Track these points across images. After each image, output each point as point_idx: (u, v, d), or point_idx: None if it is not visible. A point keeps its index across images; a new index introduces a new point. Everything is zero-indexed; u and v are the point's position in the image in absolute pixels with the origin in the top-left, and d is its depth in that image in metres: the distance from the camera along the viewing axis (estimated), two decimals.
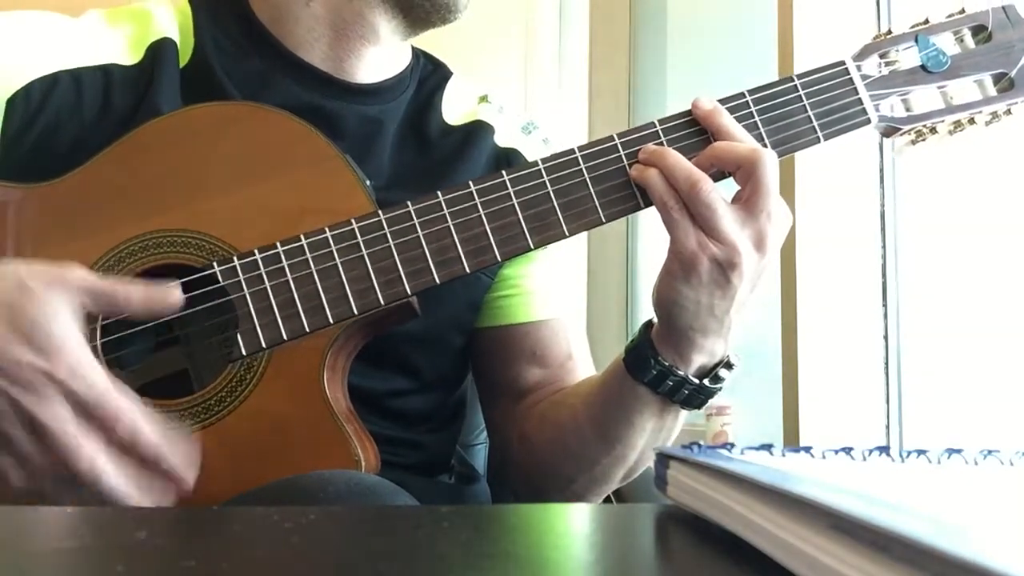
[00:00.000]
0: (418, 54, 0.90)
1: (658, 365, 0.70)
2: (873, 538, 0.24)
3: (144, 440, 0.58)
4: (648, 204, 0.69)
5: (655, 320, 0.71)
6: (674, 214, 0.66)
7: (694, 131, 0.70)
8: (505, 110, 0.90)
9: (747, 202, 0.66)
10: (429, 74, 0.89)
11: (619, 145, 0.70)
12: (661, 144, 0.70)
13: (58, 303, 0.58)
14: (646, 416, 0.73)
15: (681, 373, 0.70)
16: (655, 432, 0.74)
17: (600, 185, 0.69)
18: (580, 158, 0.70)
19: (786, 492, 0.29)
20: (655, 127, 0.70)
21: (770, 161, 0.66)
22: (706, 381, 0.71)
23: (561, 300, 0.89)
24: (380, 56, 0.83)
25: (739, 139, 0.68)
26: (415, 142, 0.84)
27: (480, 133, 0.86)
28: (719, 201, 0.65)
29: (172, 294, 0.63)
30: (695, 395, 0.71)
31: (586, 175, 0.69)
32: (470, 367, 0.90)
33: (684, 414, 0.75)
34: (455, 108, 0.88)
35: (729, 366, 0.72)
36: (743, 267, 0.65)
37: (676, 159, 0.67)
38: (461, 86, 0.90)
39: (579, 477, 0.79)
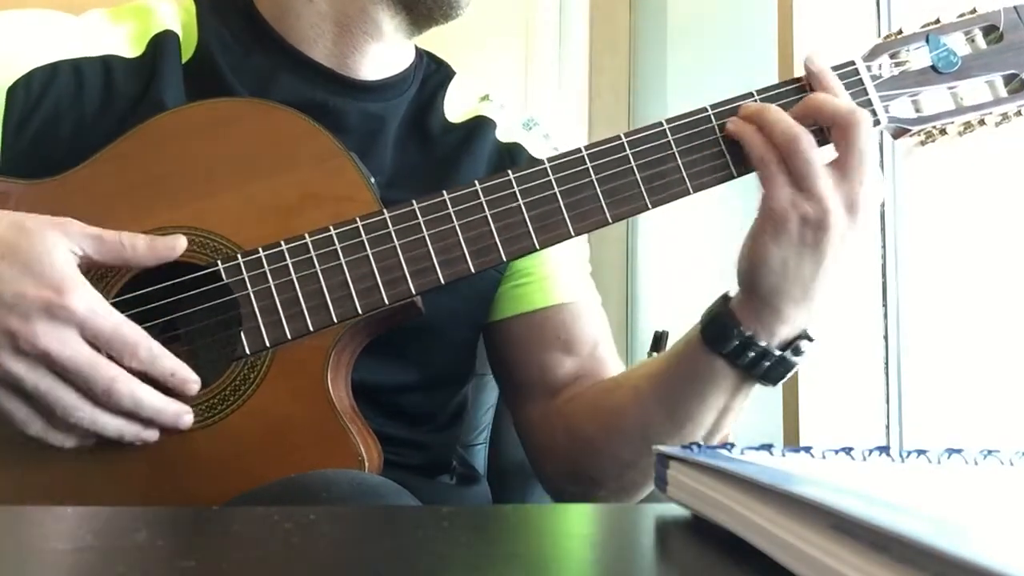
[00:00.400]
0: (421, 53, 0.90)
1: (740, 335, 0.68)
2: (873, 538, 0.24)
3: (163, 361, 0.62)
4: (656, 205, 0.69)
5: (731, 293, 0.70)
6: (771, 168, 0.66)
7: (706, 129, 0.70)
8: (506, 108, 0.90)
9: (841, 164, 0.66)
10: (432, 73, 0.90)
11: (626, 144, 0.70)
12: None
13: (55, 240, 0.60)
14: (720, 392, 0.71)
15: (763, 344, 0.68)
16: (724, 411, 0.73)
17: (606, 185, 0.69)
18: (586, 157, 0.69)
19: (786, 492, 0.29)
20: (663, 126, 0.70)
21: (866, 124, 0.66)
22: (788, 353, 0.69)
23: (579, 284, 0.88)
24: (383, 53, 0.84)
25: (840, 96, 0.68)
26: (417, 140, 0.84)
27: (482, 129, 0.86)
28: (817, 159, 0.65)
29: (177, 240, 0.66)
30: (775, 367, 0.70)
31: (592, 175, 0.69)
32: (475, 366, 0.89)
33: (752, 393, 0.73)
34: (457, 106, 0.88)
35: (810, 339, 0.70)
36: (834, 229, 0.65)
37: (777, 114, 0.67)
38: (463, 85, 0.90)
39: (640, 460, 0.77)
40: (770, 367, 0.70)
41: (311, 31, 0.81)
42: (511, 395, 0.90)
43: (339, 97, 0.81)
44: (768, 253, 0.66)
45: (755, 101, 0.70)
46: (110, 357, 0.60)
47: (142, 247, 0.64)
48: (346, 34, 0.81)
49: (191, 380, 0.64)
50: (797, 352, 0.70)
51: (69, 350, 0.58)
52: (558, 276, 0.86)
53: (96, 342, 0.60)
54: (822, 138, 0.68)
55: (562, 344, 0.84)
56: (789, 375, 0.71)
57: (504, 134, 0.87)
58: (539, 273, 0.86)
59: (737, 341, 0.69)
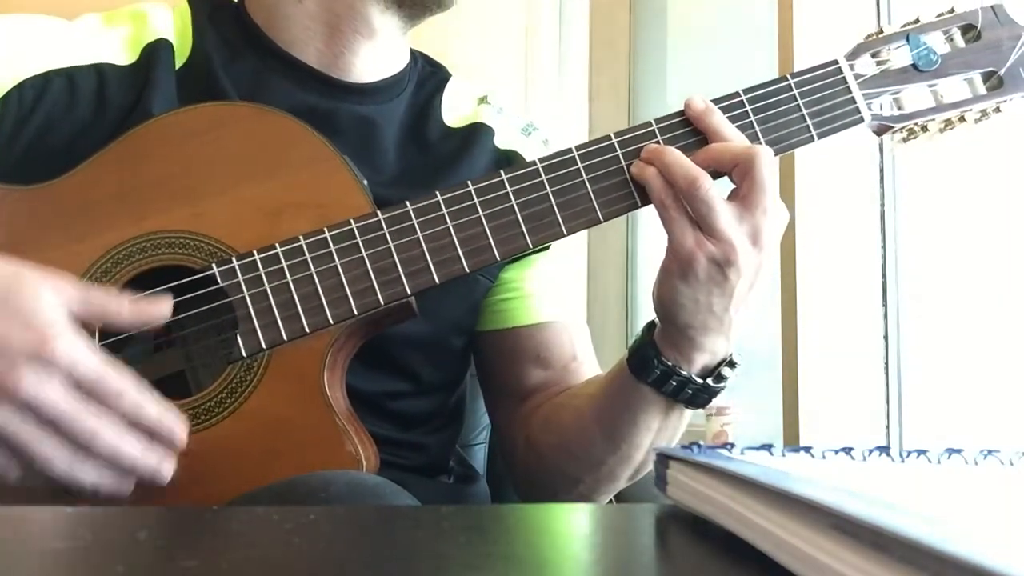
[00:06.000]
0: (416, 56, 0.90)
1: (661, 365, 0.70)
2: (873, 538, 0.24)
3: (147, 410, 0.59)
4: (646, 203, 0.70)
5: (657, 320, 0.71)
6: (671, 212, 0.67)
7: (691, 130, 0.71)
8: (505, 111, 0.90)
9: (744, 199, 0.66)
10: (428, 76, 0.89)
11: (616, 144, 0.70)
12: (659, 143, 0.70)
13: (47, 292, 0.58)
14: (651, 416, 0.73)
15: (684, 373, 0.70)
16: (660, 431, 0.74)
17: (598, 184, 0.69)
18: (577, 157, 0.70)
19: (786, 492, 0.29)
20: (652, 126, 0.71)
21: (766, 157, 0.66)
22: (709, 380, 0.71)
23: (563, 302, 0.88)
24: (376, 53, 0.83)
25: (731, 138, 0.69)
26: (415, 144, 0.84)
27: (480, 135, 0.86)
28: (716, 199, 0.66)
29: (162, 305, 0.63)
30: (699, 394, 0.71)
31: (584, 175, 0.69)
32: (469, 367, 0.90)
33: (689, 413, 0.75)
34: (455, 110, 0.88)
35: (732, 365, 0.72)
36: (740, 264, 0.66)
37: (675, 157, 0.68)
38: (460, 88, 0.90)
39: (585, 478, 0.79)
40: (693, 394, 0.71)
41: (302, 33, 0.81)
42: (487, 397, 0.92)
43: (330, 100, 0.80)
44: (678, 292, 0.67)
45: (653, 130, 0.71)
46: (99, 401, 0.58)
47: (127, 315, 0.62)
48: (336, 34, 0.81)
49: (177, 431, 0.60)
50: (720, 379, 0.71)
51: (51, 399, 0.56)
52: (542, 294, 0.87)
53: (81, 389, 0.57)
54: (716, 174, 0.68)
55: (540, 360, 0.86)
56: (715, 399, 0.73)
57: (503, 141, 0.87)
58: (526, 289, 0.86)
59: (659, 371, 0.70)
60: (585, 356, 0.87)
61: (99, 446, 0.57)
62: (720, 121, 0.70)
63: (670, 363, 0.70)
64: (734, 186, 0.68)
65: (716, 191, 0.66)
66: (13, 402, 0.55)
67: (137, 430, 0.59)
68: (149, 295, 0.66)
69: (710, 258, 0.65)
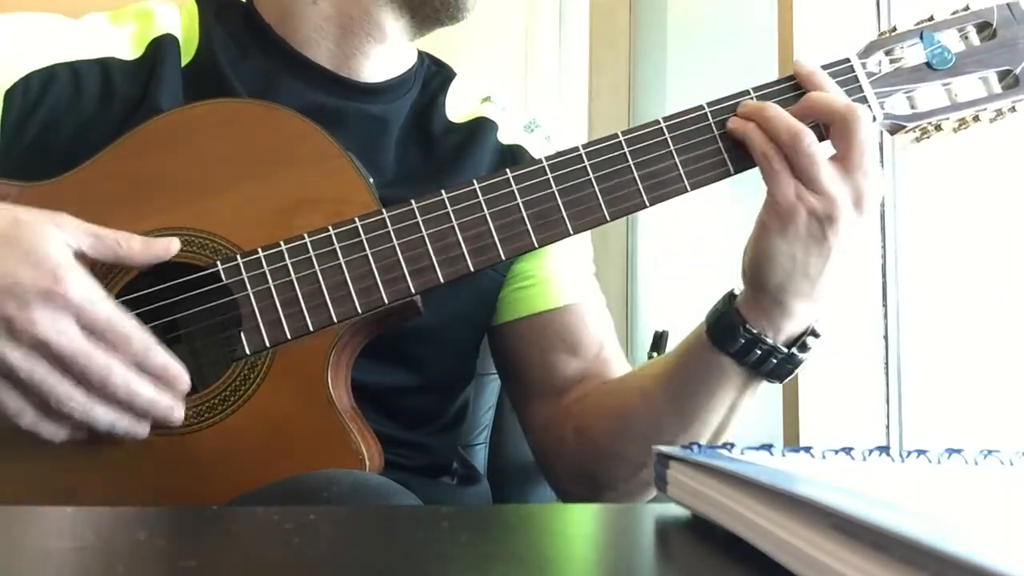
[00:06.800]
0: (422, 56, 0.90)
1: (747, 333, 0.68)
2: (873, 538, 0.24)
3: (155, 355, 0.61)
4: (654, 203, 0.69)
5: (736, 291, 0.70)
6: (774, 164, 0.66)
7: (704, 127, 0.70)
8: (508, 109, 0.90)
9: (844, 159, 0.66)
10: (433, 75, 0.90)
11: (623, 143, 0.70)
12: (666, 141, 0.70)
13: (52, 232, 0.59)
14: (728, 389, 0.71)
15: (770, 341, 0.68)
16: (734, 408, 0.73)
17: (604, 183, 0.69)
18: (584, 155, 0.70)
19: (786, 492, 0.29)
20: (659, 124, 0.70)
21: (865, 119, 0.66)
22: (795, 349, 0.69)
23: (581, 285, 0.87)
24: (386, 55, 0.84)
25: (836, 93, 0.69)
26: (419, 140, 0.84)
27: (483, 130, 0.86)
28: (820, 154, 0.65)
29: (172, 241, 0.66)
30: (783, 364, 0.70)
31: (590, 173, 0.69)
32: (476, 368, 0.89)
33: (760, 391, 0.73)
34: (458, 107, 0.88)
35: (816, 335, 0.70)
36: (840, 222, 0.65)
37: (776, 111, 0.67)
38: (464, 86, 0.90)
39: (649, 461, 0.77)
40: (777, 364, 0.70)
41: (314, 33, 0.81)
42: (517, 396, 0.89)
43: (340, 99, 0.81)
44: (775, 249, 0.66)
45: (752, 99, 0.71)
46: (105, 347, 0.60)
47: (137, 246, 0.64)
48: (349, 36, 0.81)
49: (182, 377, 0.63)
50: (804, 348, 0.70)
51: (65, 338, 0.57)
52: (559, 278, 0.86)
53: (91, 331, 0.59)
54: (819, 135, 0.68)
55: (567, 346, 0.84)
56: (796, 371, 0.71)
57: (506, 136, 0.87)
58: (540, 276, 0.85)
59: (743, 339, 0.69)
60: (612, 342, 0.86)
61: (113, 382, 0.59)
62: (829, 80, 0.70)
63: (756, 331, 0.68)
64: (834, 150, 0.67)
65: (819, 146, 0.66)
66: (26, 343, 0.57)
67: (145, 373, 0.61)
68: (152, 290, 0.67)
69: (811, 212, 0.65)
